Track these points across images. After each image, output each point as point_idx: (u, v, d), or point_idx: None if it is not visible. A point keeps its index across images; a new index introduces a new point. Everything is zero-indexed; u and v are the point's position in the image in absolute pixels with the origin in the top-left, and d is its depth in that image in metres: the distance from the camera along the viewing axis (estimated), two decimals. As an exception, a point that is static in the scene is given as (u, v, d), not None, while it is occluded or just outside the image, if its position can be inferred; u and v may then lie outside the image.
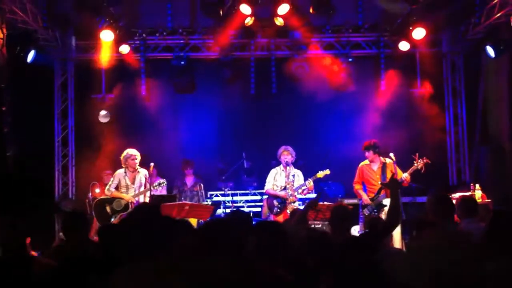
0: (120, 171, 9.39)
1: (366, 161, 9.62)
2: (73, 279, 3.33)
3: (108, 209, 9.19)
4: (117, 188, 9.37)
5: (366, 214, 9.29)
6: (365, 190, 9.61)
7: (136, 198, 9.18)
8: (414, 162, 9.27)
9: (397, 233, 8.13)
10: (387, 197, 8.99)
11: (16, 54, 9.97)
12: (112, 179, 9.48)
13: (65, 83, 12.06)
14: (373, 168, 9.48)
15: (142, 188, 9.25)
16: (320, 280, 3.56)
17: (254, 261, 3.42)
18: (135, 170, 9.31)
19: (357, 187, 9.58)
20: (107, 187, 9.44)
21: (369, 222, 7.92)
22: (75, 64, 12.02)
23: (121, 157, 9.42)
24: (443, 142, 12.27)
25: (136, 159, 9.30)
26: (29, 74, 10.61)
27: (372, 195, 9.43)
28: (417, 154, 9.32)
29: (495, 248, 3.57)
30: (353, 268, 3.48)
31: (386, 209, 8.75)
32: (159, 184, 9.38)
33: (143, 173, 9.32)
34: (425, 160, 9.27)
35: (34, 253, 5.28)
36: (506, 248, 3.53)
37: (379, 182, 9.24)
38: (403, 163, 9.61)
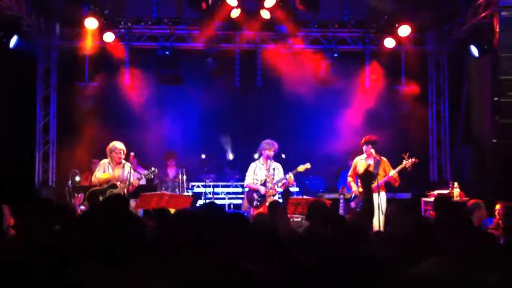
0: (105, 161, 9.22)
1: (362, 156, 9.66)
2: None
3: (101, 199, 9.02)
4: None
5: (353, 207, 9.35)
6: (357, 184, 9.63)
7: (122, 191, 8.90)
8: (404, 160, 9.31)
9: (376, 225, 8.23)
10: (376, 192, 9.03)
11: (-1, 39, 9.88)
12: (98, 167, 9.32)
13: (48, 70, 11.97)
14: (368, 163, 9.51)
15: (132, 180, 8.91)
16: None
17: (224, 255, 3.40)
18: (119, 163, 9.14)
19: (350, 179, 9.65)
20: (93, 175, 9.29)
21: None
22: (58, 51, 11.93)
23: (107, 148, 9.25)
24: (425, 140, 12.35)
25: (121, 153, 9.10)
26: (11, 60, 10.52)
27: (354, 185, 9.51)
28: (407, 153, 9.36)
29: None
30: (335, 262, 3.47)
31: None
32: (151, 172, 9.21)
33: (127, 167, 9.06)
34: (413, 160, 9.32)
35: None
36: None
37: (356, 175, 9.35)
38: (387, 159, 9.65)
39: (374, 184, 8.89)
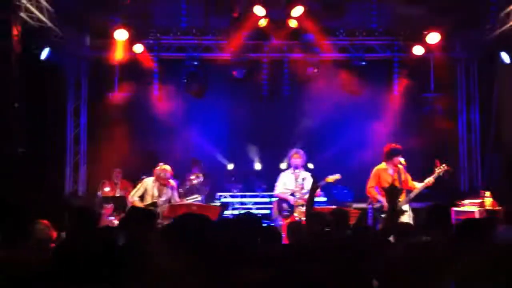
0: (149, 181, 9.10)
1: (383, 165, 9.40)
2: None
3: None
4: (142, 196, 9.12)
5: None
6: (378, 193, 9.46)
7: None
8: (436, 169, 9.10)
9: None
10: (406, 203, 8.89)
11: (30, 51, 10.03)
12: (139, 186, 9.22)
13: (79, 81, 12.15)
14: (389, 173, 9.32)
15: (172, 200, 8.96)
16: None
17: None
18: (165, 185, 9.10)
19: (373, 192, 9.35)
20: (132, 193, 9.22)
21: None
22: (88, 62, 12.09)
23: (156, 169, 9.12)
24: (456, 148, 12.19)
25: (168, 178, 9.04)
26: (43, 72, 10.69)
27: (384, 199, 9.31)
28: (437, 160, 9.17)
29: None
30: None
31: (406, 214, 8.68)
32: (194, 199, 9.17)
33: (171, 184, 9.07)
34: (446, 167, 9.11)
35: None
36: None
37: (382, 187, 9.08)
38: (415, 169, 9.51)
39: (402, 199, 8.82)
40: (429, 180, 9.01)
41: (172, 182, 9.11)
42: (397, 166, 9.21)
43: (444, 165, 9.12)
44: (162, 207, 8.85)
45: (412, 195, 8.97)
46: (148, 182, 9.10)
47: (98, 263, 3.32)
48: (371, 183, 9.33)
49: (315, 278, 3.24)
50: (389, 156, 9.18)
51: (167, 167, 9.12)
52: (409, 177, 9.21)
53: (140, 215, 5.23)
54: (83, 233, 5.05)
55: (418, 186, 9.04)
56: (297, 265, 3.54)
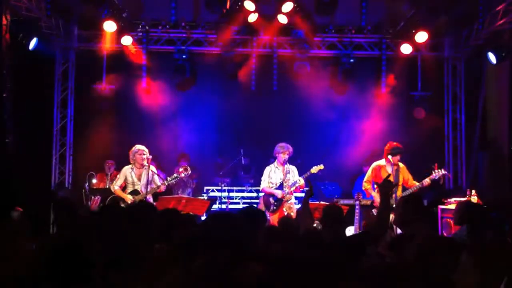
0: (127, 168, 9.18)
1: (382, 162, 9.55)
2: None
3: (122, 205, 9.00)
4: (123, 185, 9.19)
5: (376, 214, 9.22)
6: (373, 189, 9.56)
7: (148, 196, 8.86)
8: (433, 172, 9.29)
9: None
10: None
11: (18, 41, 9.94)
12: (118, 176, 9.30)
13: (66, 72, 12.04)
14: (387, 170, 9.44)
15: (153, 185, 8.95)
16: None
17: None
18: (142, 166, 9.08)
19: (368, 186, 9.52)
20: (113, 183, 9.28)
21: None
22: (76, 53, 12.00)
23: (129, 152, 9.22)
24: (441, 146, 12.31)
25: (144, 154, 9.06)
26: (30, 62, 10.59)
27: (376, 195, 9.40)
28: (436, 164, 9.36)
29: None
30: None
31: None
32: (174, 177, 9.07)
33: (150, 169, 9.01)
34: (443, 172, 9.31)
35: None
36: None
37: (375, 183, 9.20)
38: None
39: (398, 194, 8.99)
40: (426, 181, 9.27)
41: (152, 166, 9.07)
42: (396, 165, 9.38)
43: (442, 169, 9.32)
44: (143, 194, 8.84)
45: (406, 193, 9.20)
46: (126, 169, 9.20)
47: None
48: (367, 177, 9.59)
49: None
50: (390, 154, 9.36)
51: (141, 146, 9.17)
52: (410, 177, 9.41)
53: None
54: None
55: (416, 185, 9.28)
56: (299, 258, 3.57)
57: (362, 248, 4.31)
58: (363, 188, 9.67)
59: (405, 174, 9.42)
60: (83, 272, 3.16)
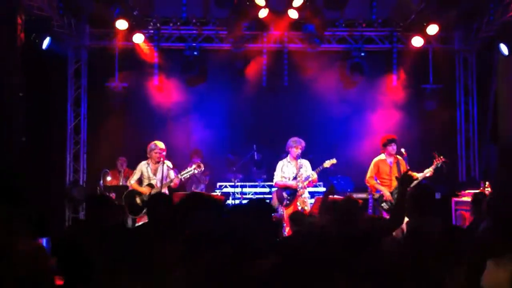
0: (143, 163, 9.27)
1: (382, 156, 9.56)
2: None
3: (138, 200, 9.04)
4: (140, 180, 9.25)
5: (386, 208, 9.23)
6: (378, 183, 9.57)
7: (163, 190, 8.87)
8: (434, 160, 9.26)
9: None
10: None
11: (31, 40, 10.03)
12: (135, 171, 9.35)
13: (79, 71, 12.12)
14: (388, 163, 9.46)
15: (167, 179, 9.04)
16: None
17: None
18: (158, 162, 9.15)
19: (372, 182, 9.52)
20: (130, 179, 9.37)
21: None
22: (88, 52, 12.07)
23: (147, 147, 9.29)
24: (454, 139, 12.30)
25: (161, 153, 9.14)
26: (43, 61, 10.68)
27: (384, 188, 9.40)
28: (435, 152, 9.31)
29: None
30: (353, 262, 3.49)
31: None
32: (188, 172, 9.16)
33: (166, 164, 9.11)
34: (443, 159, 9.26)
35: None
36: None
37: (395, 176, 9.17)
38: (413, 159, 9.62)
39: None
40: (428, 171, 9.19)
41: (167, 162, 9.16)
42: (395, 157, 9.35)
43: (441, 157, 9.27)
44: (158, 186, 8.91)
45: (413, 184, 9.06)
46: (142, 164, 9.28)
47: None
48: (369, 173, 9.53)
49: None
50: (384, 146, 9.38)
51: (159, 142, 9.25)
52: (406, 167, 9.34)
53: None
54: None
55: (418, 176, 9.17)
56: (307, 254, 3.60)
57: (367, 243, 4.31)
58: (368, 185, 9.62)
59: (404, 166, 9.37)
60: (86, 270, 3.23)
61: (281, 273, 3.31)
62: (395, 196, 9.01)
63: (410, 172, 8.96)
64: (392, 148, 9.45)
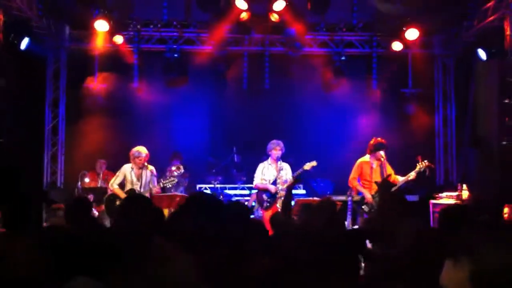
0: (127, 167, 9.15)
1: (366, 158, 9.57)
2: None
3: (118, 203, 8.96)
4: (122, 184, 9.14)
5: (366, 210, 9.26)
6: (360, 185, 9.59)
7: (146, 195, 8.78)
8: (418, 164, 9.28)
9: None
10: None
11: (10, 41, 9.92)
12: (117, 173, 9.24)
13: (58, 72, 12.04)
14: (373, 166, 9.48)
15: (151, 185, 8.99)
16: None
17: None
18: (141, 167, 9.10)
19: (355, 183, 9.52)
20: (111, 181, 9.25)
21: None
22: (68, 53, 11.99)
23: (130, 153, 9.17)
24: (432, 143, 12.41)
25: (144, 159, 9.06)
26: (21, 62, 10.56)
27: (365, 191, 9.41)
28: (419, 156, 9.35)
29: None
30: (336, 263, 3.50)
31: None
32: (170, 181, 9.12)
33: (149, 169, 9.05)
34: (427, 164, 9.29)
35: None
36: None
37: (374, 181, 9.21)
38: (392, 162, 9.67)
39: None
40: (411, 174, 9.22)
41: (151, 167, 9.09)
42: (380, 160, 9.38)
43: (425, 161, 9.32)
44: (146, 191, 8.83)
45: (393, 188, 9.12)
46: (126, 168, 9.16)
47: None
48: (353, 174, 9.54)
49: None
50: (374, 150, 9.38)
51: (142, 148, 9.16)
52: (392, 171, 9.38)
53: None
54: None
55: (400, 180, 9.23)
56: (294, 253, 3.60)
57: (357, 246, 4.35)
58: (350, 185, 9.62)
59: (388, 169, 9.40)
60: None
61: (275, 273, 3.31)
62: (376, 199, 9.09)
63: (392, 176, 9.16)
64: (380, 154, 9.41)
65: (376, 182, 9.08)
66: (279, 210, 9.09)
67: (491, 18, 10.08)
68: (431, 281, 3.19)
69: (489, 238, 1.85)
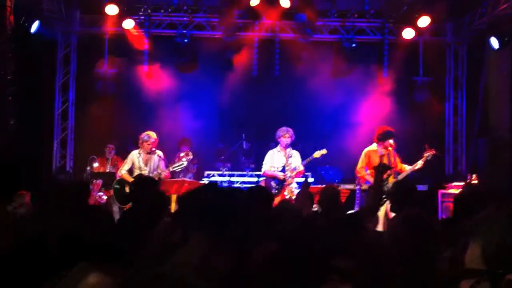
0: (134, 153, 9.17)
1: (373, 147, 9.47)
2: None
3: (127, 189, 8.89)
4: (130, 170, 9.16)
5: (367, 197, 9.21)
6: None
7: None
8: (425, 152, 9.19)
9: (381, 215, 8.11)
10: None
11: (20, 24, 9.91)
12: (126, 160, 9.27)
13: (68, 56, 12.03)
14: (379, 154, 9.41)
15: (159, 169, 8.99)
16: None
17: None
18: (149, 152, 9.10)
19: (362, 172, 9.44)
20: (120, 168, 9.29)
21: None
22: (78, 37, 11.98)
23: (139, 137, 9.18)
24: (442, 132, 12.34)
25: (153, 143, 9.07)
26: (32, 45, 10.56)
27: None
28: (426, 144, 9.26)
29: None
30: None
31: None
32: (180, 165, 9.14)
33: (157, 154, 9.05)
34: (434, 152, 9.19)
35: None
36: None
37: (373, 167, 9.12)
38: (401, 150, 9.61)
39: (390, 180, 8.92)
40: (418, 163, 9.14)
41: (159, 152, 9.10)
42: (387, 149, 9.30)
43: (432, 149, 9.23)
44: (154, 176, 8.79)
45: (400, 177, 9.04)
46: (134, 154, 9.18)
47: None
48: (361, 163, 9.45)
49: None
50: (381, 138, 9.25)
51: (152, 132, 9.16)
52: (398, 160, 9.30)
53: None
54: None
55: (407, 169, 9.15)
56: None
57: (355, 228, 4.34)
58: (358, 175, 9.55)
59: (393, 157, 9.31)
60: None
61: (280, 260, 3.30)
62: (386, 186, 9.03)
63: (399, 165, 9.11)
64: (389, 142, 9.31)
65: (373, 167, 8.95)
66: (287, 197, 9.10)
67: (504, 5, 9.95)
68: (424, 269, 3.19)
69: (501, 219, 2.00)
